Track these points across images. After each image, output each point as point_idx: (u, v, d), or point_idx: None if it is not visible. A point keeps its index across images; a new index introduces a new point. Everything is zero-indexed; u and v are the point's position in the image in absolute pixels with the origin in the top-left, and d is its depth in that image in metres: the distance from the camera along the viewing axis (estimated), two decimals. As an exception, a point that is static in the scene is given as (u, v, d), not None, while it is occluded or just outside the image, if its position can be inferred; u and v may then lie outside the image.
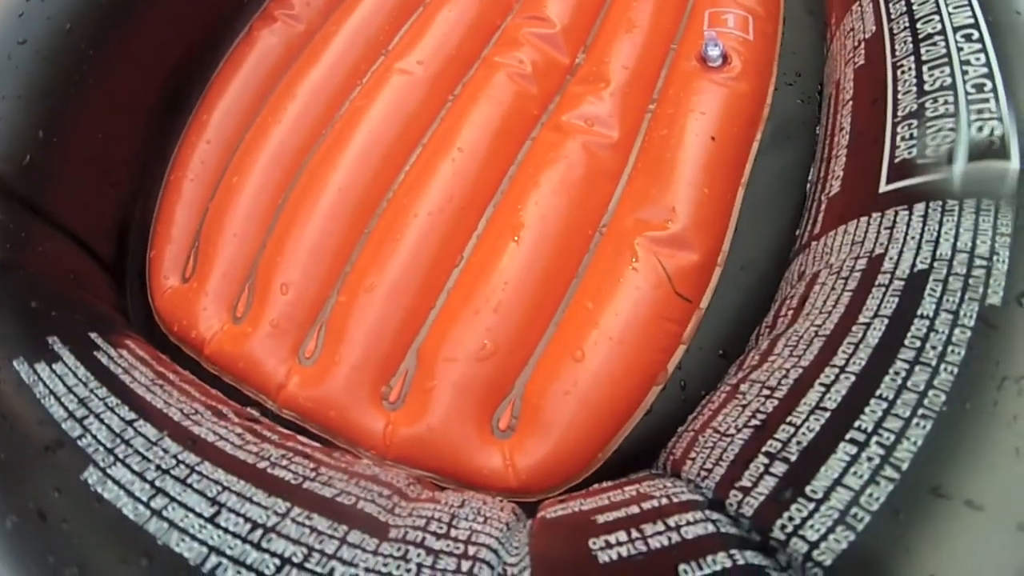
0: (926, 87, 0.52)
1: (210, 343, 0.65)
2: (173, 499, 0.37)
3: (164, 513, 0.36)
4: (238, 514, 0.37)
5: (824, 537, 0.32)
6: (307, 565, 0.35)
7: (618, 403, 0.59)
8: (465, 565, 0.37)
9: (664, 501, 0.42)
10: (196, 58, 0.79)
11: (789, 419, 0.40)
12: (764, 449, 0.39)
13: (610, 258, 0.66)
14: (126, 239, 0.71)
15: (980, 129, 0.46)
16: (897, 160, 0.51)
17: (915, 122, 0.51)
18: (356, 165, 0.72)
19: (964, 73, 0.50)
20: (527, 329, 0.63)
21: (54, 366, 0.43)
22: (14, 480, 0.37)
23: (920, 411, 0.34)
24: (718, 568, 0.34)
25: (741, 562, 0.34)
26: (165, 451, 0.40)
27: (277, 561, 0.35)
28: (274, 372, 0.63)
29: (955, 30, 0.54)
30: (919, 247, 0.44)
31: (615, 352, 0.60)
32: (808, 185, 0.68)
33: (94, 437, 0.39)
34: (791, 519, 0.34)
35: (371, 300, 0.64)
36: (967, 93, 0.49)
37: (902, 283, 0.43)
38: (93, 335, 0.49)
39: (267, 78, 0.80)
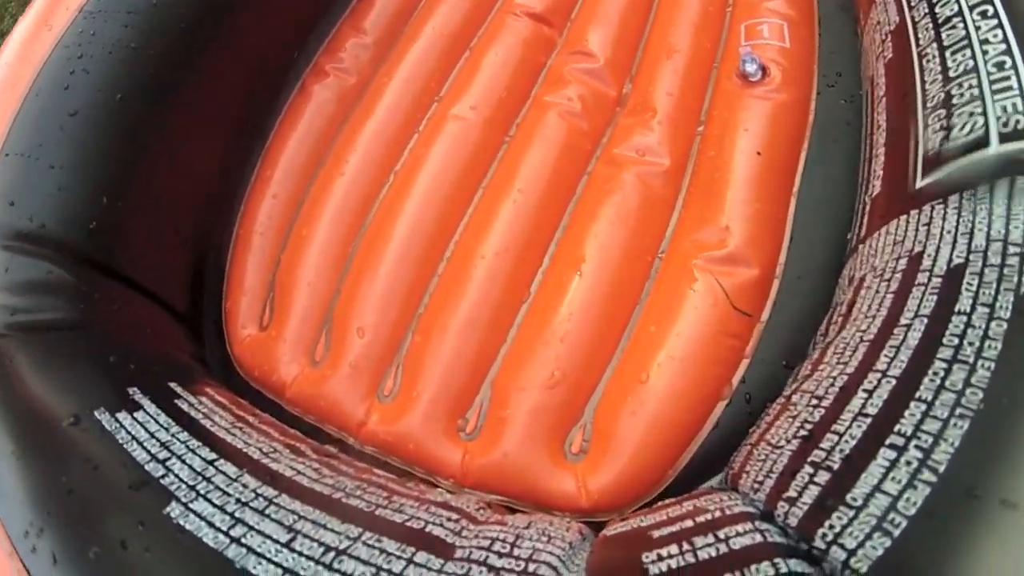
0: (950, 73, 0.55)
1: (291, 387, 0.71)
2: (251, 528, 0.41)
3: (243, 540, 0.40)
4: (312, 539, 0.41)
5: (861, 544, 0.34)
6: None
7: (685, 420, 0.63)
8: None
9: (717, 514, 0.44)
10: (252, 115, 0.85)
11: (834, 427, 0.42)
12: (809, 459, 0.41)
13: (671, 282, 0.70)
14: (199, 292, 0.77)
15: (1004, 110, 0.48)
16: (930, 153, 0.53)
17: (944, 111, 0.53)
18: (421, 211, 0.77)
19: (984, 53, 0.53)
20: (594, 356, 0.68)
21: (135, 415, 0.48)
22: (97, 516, 0.42)
23: (958, 411, 0.36)
24: None
25: (784, 570, 0.36)
26: (245, 486, 0.44)
27: None
28: (354, 411, 0.69)
29: (971, 8, 0.56)
30: (955, 241, 0.45)
31: (679, 371, 0.64)
32: (858, 187, 0.70)
33: (176, 476, 0.44)
34: (831, 527, 0.36)
35: (445, 338, 0.69)
36: (989, 74, 0.51)
37: (940, 280, 0.44)
38: (172, 384, 0.54)
39: (325, 131, 0.86)
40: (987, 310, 0.39)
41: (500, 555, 0.43)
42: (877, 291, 0.51)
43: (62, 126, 0.61)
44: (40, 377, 0.50)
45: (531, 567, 0.42)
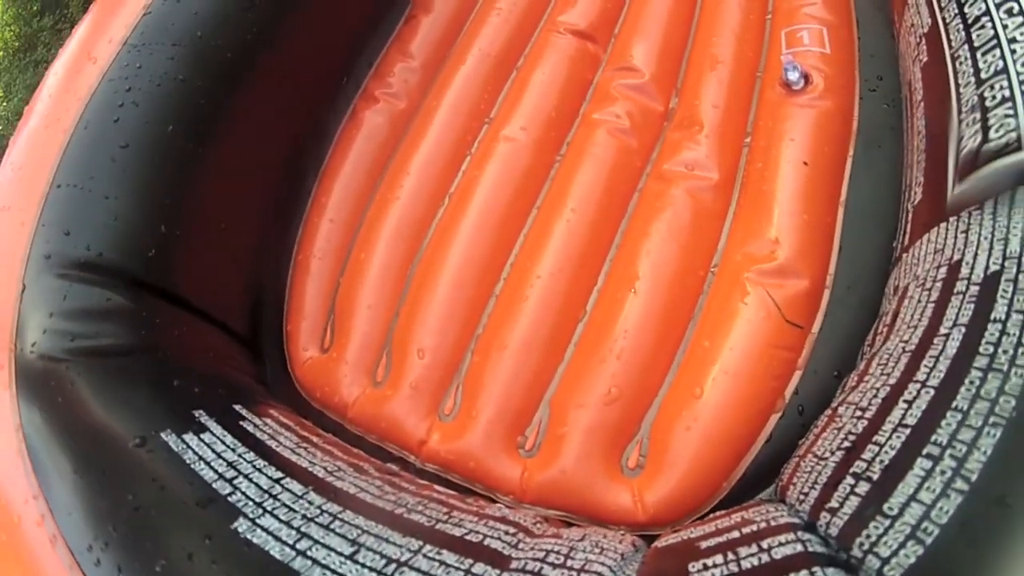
0: (982, 75, 0.54)
1: (352, 407, 0.73)
2: (317, 541, 0.43)
3: (308, 553, 0.42)
4: (375, 552, 0.43)
5: (895, 553, 0.35)
6: None
7: (739, 434, 0.64)
8: None
9: (763, 525, 0.45)
10: (304, 140, 0.86)
11: (875, 438, 0.42)
12: (851, 470, 0.42)
13: (723, 296, 0.70)
14: (260, 316, 0.79)
15: None
16: (965, 157, 0.52)
17: (978, 115, 0.52)
18: (476, 233, 0.78)
19: (1013, 53, 0.52)
20: (650, 372, 0.68)
21: (202, 436, 0.50)
22: (164, 531, 0.44)
23: (991, 419, 0.36)
24: None
25: None
26: (310, 503, 0.46)
27: None
28: (415, 430, 0.71)
29: (997, 6, 0.55)
30: (991, 247, 0.45)
31: (733, 385, 0.64)
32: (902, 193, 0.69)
33: (243, 494, 0.45)
34: (868, 536, 0.37)
35: (504, 358, 0.71)
36: (1019, 74, 0.50)
37: (977, 288, 0.44)
38: (237, 406, 0.56)
39: (378, 156, 0.88)
40: (1021, 317, 0.40)
41: (554, 566, 0.44)
42: (919, 301, 0.51)
43: (114, 157, 0.62)
44: (103, 401, 0.52)
45: None
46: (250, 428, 0.54)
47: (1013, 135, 0.48)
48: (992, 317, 0.41)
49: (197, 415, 0.52)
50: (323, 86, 0.90)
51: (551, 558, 0.45)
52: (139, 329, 0.59)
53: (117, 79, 0.66)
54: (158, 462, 0.47)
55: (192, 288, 0.67)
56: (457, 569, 0.42)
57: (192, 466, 0.47)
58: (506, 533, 0.48)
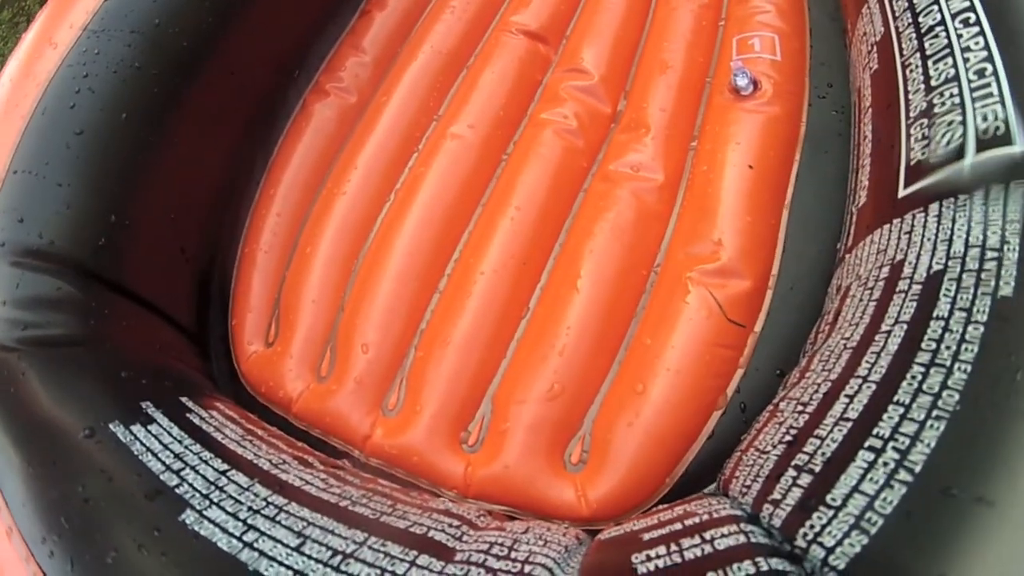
0: (932, 82, 0.54)
1: (297, 402, 0.73)
2: (263, 533, 0.43)
3: (255, 545, 0.42)
4: (320, 543, 0.43)
5: (840, 542, 0.35)
6: None
7: (681, 430, 0.64)
8: None
9: (705, 517, 0.46)
10: (255, 132, 0.86)
11: (816, 432, 0.43)
12: (793, 463, 0.43)
13: (666, 295, 0.71)
14: (207, 309, 0.78)
15: (985, 118, 0.48)
16: (912, 163, 0.53)
17: (925, 121, 0.53)
18: (421, 229, 0.78)
19: (966, 61, 0.52)
20: (591, 368, 0.69)
21: (149, 427, 0.50)
22: (114, 523, 0.44)
23: (934, 413, 0.37)
24: (742, 574, 0.37)
25: (765, 568, 0.37)
26: (256, 495, 0.47)
27: None
28: (360, 424, 0.70)
29: (953, 16, 0.56)
30: (935, 248, 0.46)
31: (674, 382, 0.65)
32: (847, 196, 0.70)
33: (190, 485, 0.46)
34: (812, 527, 0.37)
35: (447, 354, 0.71)
36: (970, 82, 0.51)
37: (920, 287, 0.45)
38: (184, 399, 0.56)
39: (326, 150, 0.87)
40: (964, 314, 0.40)
41: (498, 558, 0.45)
42: (861, 299, 0.51)
43: (68, 144, 0.62)
44: (53, 391, 0.52)
45: (527, 568, 0.44)
46: (196, 420, 0.54)
47: (960, 141, 0.49)
48: (935, 315, 0.42)
49: (144, 406, 0.52)
50: (276, 78, 0.89)
51: (495, 550, 0.46)
52: (88, 319, 0.59)
53: (75, 65, 0.66)
54: (106, 453, 0.48)
55: (140, 279, 0.66)
56: (402, 561, 0.43)
57: (140, 457, 0.47)
58: (450, 526, 0.49)
